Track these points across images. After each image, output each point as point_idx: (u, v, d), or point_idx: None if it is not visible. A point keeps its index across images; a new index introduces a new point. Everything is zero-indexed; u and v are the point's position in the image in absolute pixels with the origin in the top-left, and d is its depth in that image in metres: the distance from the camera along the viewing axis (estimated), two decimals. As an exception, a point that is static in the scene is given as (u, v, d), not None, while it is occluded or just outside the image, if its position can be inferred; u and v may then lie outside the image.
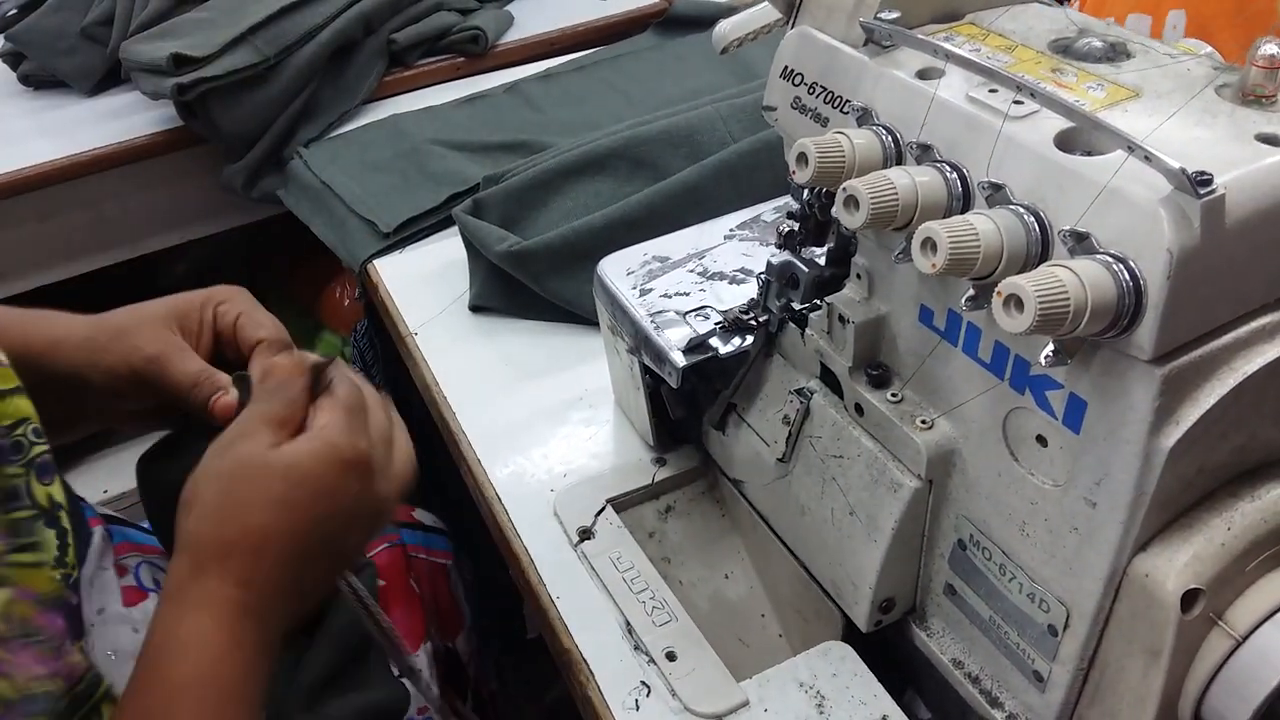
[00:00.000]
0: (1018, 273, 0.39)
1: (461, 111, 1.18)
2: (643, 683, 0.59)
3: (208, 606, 0.46)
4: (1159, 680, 0.45)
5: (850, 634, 0.60)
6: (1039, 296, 0.37)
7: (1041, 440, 0.46)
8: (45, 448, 0.46)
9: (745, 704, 0.57)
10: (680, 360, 0.63)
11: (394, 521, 0.91)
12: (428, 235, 1.00)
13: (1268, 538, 0.45)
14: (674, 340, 0.64)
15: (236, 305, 0.58)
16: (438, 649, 0.84)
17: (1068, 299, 0.37)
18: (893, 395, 0.54)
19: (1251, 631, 0.45)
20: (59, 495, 0.46)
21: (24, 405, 0.47)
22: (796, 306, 0.60)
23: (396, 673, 0.70)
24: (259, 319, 0.58)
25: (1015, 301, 0.38)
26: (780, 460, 0.61)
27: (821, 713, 0.56)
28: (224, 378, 0.55)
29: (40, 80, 1.26)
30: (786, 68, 0.56)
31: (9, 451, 0.46)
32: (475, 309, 0.89)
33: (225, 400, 0.53)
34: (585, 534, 0.67)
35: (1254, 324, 0.42)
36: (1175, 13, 0.90)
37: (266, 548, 0.47)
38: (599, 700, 0.58)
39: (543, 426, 0.77)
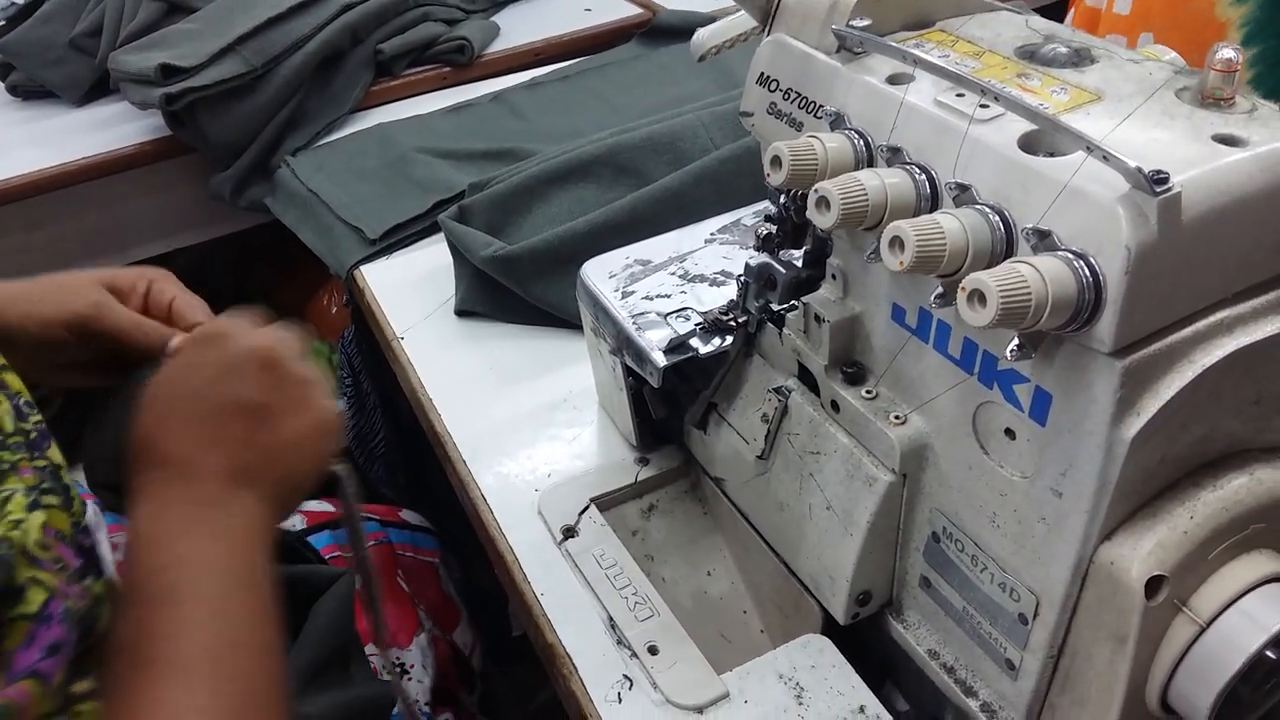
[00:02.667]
0: (983, 270, 0.40)
1: (447, 120, 1.19)
2: (625, 676, 0.60)
3: (162, 507, 0.48)
4: (1126, 666, 0.46)
5: (829, 627, 0.61)
6: (1001, 291, 0.39)
7: (1010, 433, 0.48)
8: (39, 418, 0.48)
9: (726, 696, 0.58)
10: (661, 360, 0.64)
11: (380, 521, 0.91)
12: (414, 242, 1.01)
13: (1229, 526, 0.46)
14: (655, 341, 0.65)
15: (171, 287, 0.60)
16: (435, 639, 0.84)
17: (1029, 294, 0.39)
18: (867, 392, 0.55)
19: (1214, 618, 0.46)
20: (58, 458, 0.47)
21: (14, 379, 0.47)
22: (774, 307, 0.61)
23: (383, 671, 0.71)
24: (193, 303, 0.60)
25: (979, 296, 0.39)
26: (759, 458, 0.63)
27: (800, 703, 0.57)
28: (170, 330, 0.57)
29: (29, 90, 1.27)
30: (762, 74, 0.57)
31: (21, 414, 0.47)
32: (461, 314, 0.90)
33: (178, 343, 0.56)
34: (569, 532, 0.68)
35: (1212, 318, 0.43)
36: (1144, 35, 0.93)
37: (170, 428, 0.49)
38: (582, 693, 0.59)
39: (527, 428, 0.78)
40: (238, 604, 0.47)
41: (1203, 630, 0.46)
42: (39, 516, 0.43)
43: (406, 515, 0.95)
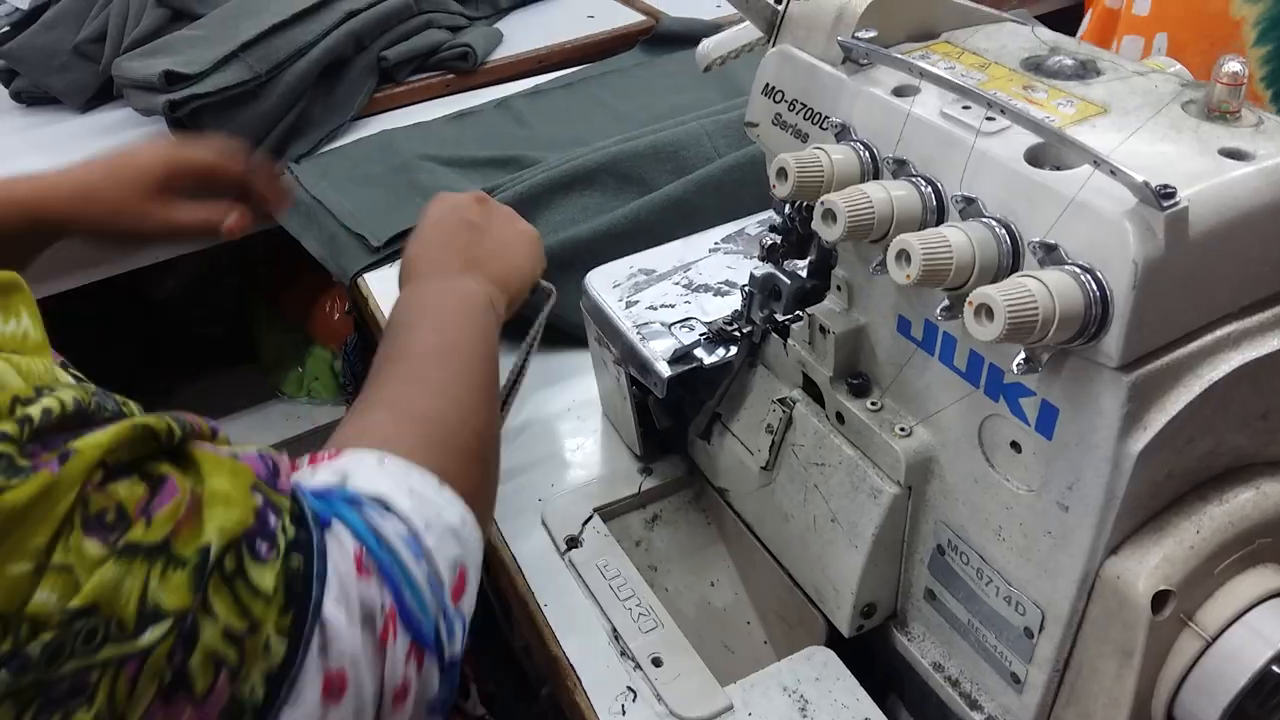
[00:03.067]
0: (989, 283, 0.40)
1: (451, 127, 1.19)
2: (629, 688, 0.59)
3: (416, 288, 0.64)
4: (1132, 680, 0.46)
5: (833, 639, 0.61)
6: (1008, 306, 0.38)
7: (1015, 446, 0.48)
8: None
9: (730, 708, 0.58)
10: (666, 371, 0.64)
11: None
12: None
13: (1235, 541, 0.46)
14: (659, 351, 0.65)
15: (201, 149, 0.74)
16: None
17: (1036, 308, 0.39)
18: (872, 404, 0.55)
19: (1220, 632, 0.46)
20: None
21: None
22: (779, 318, 0.61)
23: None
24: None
25: (986, 310, 0.39)
26: (764, 469, 0.62)
27: (804, 716, 0.57)
28: None
29: (33, 97, 1.27)
30: (768, 85, 0.57)
31: None
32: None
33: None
34: (573, 542, 0.68)
35: (1219, 332, 0.43)
36: (1160, 35, 0.94)
37: (420, 253, 0.67)
38: (585, 705, 0.59)
39: (531, 438, 0.78)
40: (462, 333, 0.60)
41: (1209, 645, 0.46)
42: None
43: None
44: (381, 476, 0.45)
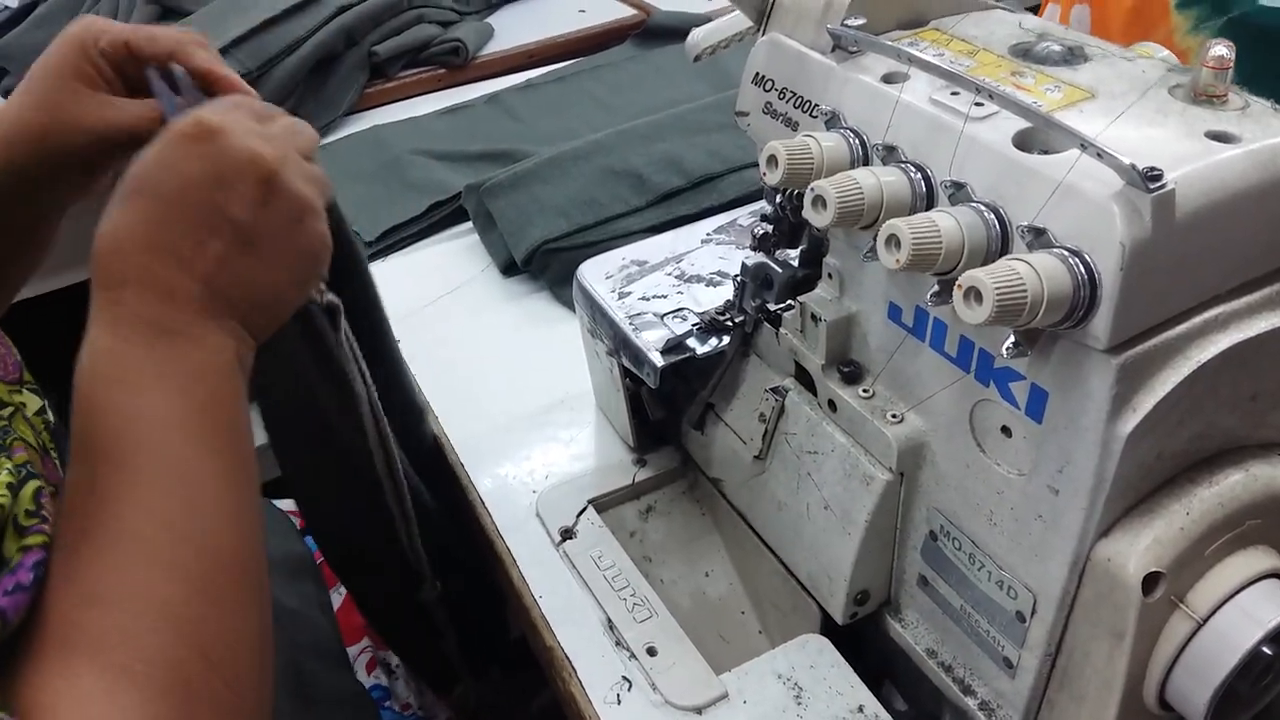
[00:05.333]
0: (979, 267, 0.40)
1: (442, 122, 1.19)
2: (624, 677, 0.60)
3: (123, 340, 0.43)
4: (1124, 662, 0.46)
5: (827, 627, 0.61)
6: (997, 289, 0.39)
7: (1006, 431, 0.48)
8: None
9: (725, 696, 0.58)
10: (659, 361, 0.64)
11: None
12: (410, 244, 1.01)
13: (1225, 522, 0.46)
14: (652, 341, 0.65)
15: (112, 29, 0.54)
16: None
17: (1025, 291, 0.39)
18: (864, 391, 0.55)
19: (1211, 614, 0.46)
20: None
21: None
22: (771, 307, 0.61)
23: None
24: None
25: (974, 294, 0.39)
26: (757, 458, 0.63)
27: (799, 703, 0.57)
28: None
29: (23, 95, 1.27)
30: (758, 74, 0.58)
31: None
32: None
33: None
34: (567, 534, 0.68)
35: (1207, 314, 0.43)
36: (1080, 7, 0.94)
37: (140, 237, 0.44)
38: (581, 695, 0.59)
39: (525, 430, 0.78)
40: (204, 464, 0.42)
41: (1200, 626, 0.46)
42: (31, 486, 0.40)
43: None
44: None
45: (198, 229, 0.44)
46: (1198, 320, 0.43)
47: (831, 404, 0.57)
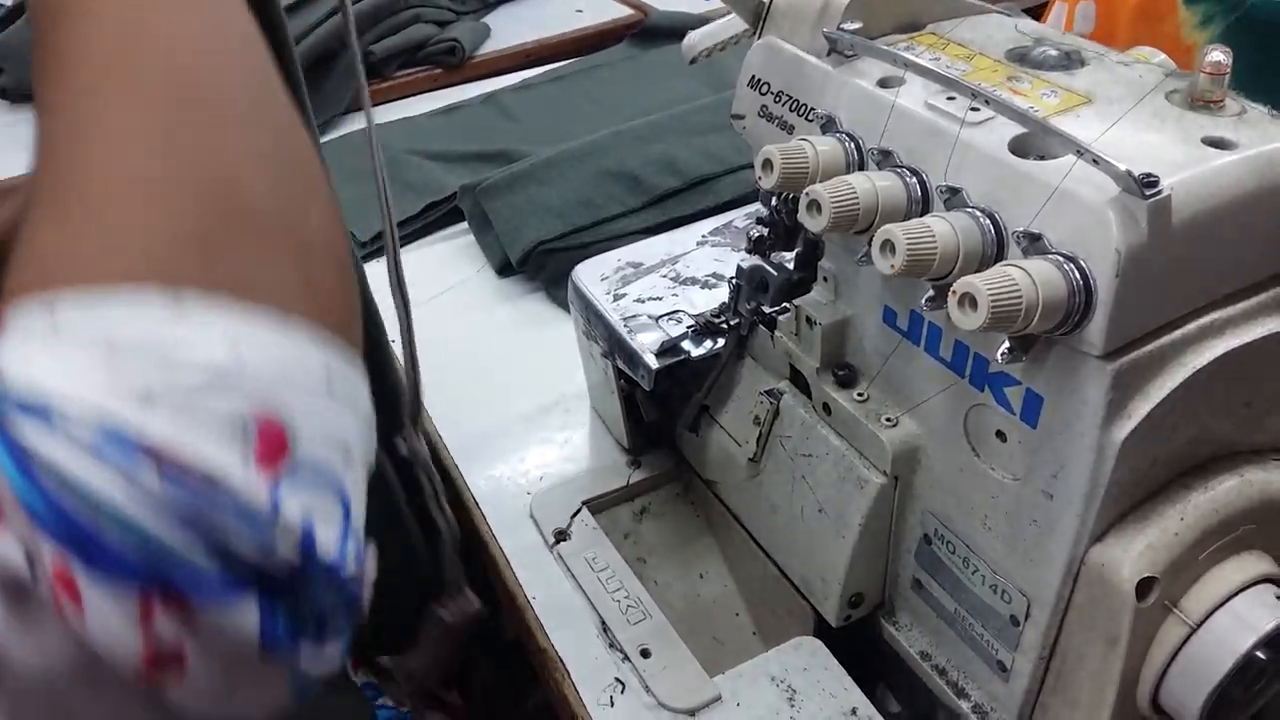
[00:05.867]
0: (974, 273, 0.40)
1: (438, 122, 1.19)
2: (617, 679, 0.60)
3: None
4: (1118, 666, 0.47)
5: (821, 629, 0.61)
6: (991, 295, 0.39)
7: (1001, 435, 0.48)
8: None
9: (718, 699, 0.58)
10: (654, 363, 0.64)
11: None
12: (405, 244, 1.01)
13: (1219, 528, 0.46)
14: (647, 344, 0.65)
15: None
16: None
17: (1020, 297, 0.39)
18: (859, 395, 0.55)
19: (1205, 619, 0.46)
20: None
21: None
22: (766, 309, 0.61)
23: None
24: None
25: (969, 300, 0.39)
26: (751, 460, 0.63)
27: (793, 705, 0.57)
28: None
29: (18, 94, 1.27)
30: (754, 77, 0.57)
31: None
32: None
33: None
34: (561, 535, 0.68)
35: (1202, 320, 0.43)
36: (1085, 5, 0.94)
37: None
38: (574, 697, 0.59)
39: (520, 432, 0.78)
40: None
41: (1193, 631, 0.46)
42: None
43: None
44: (45, 354, 0.26)
45: None
46: (1193, 326, 0.43)
47: (826, 407, 0.57)
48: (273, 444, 0.28)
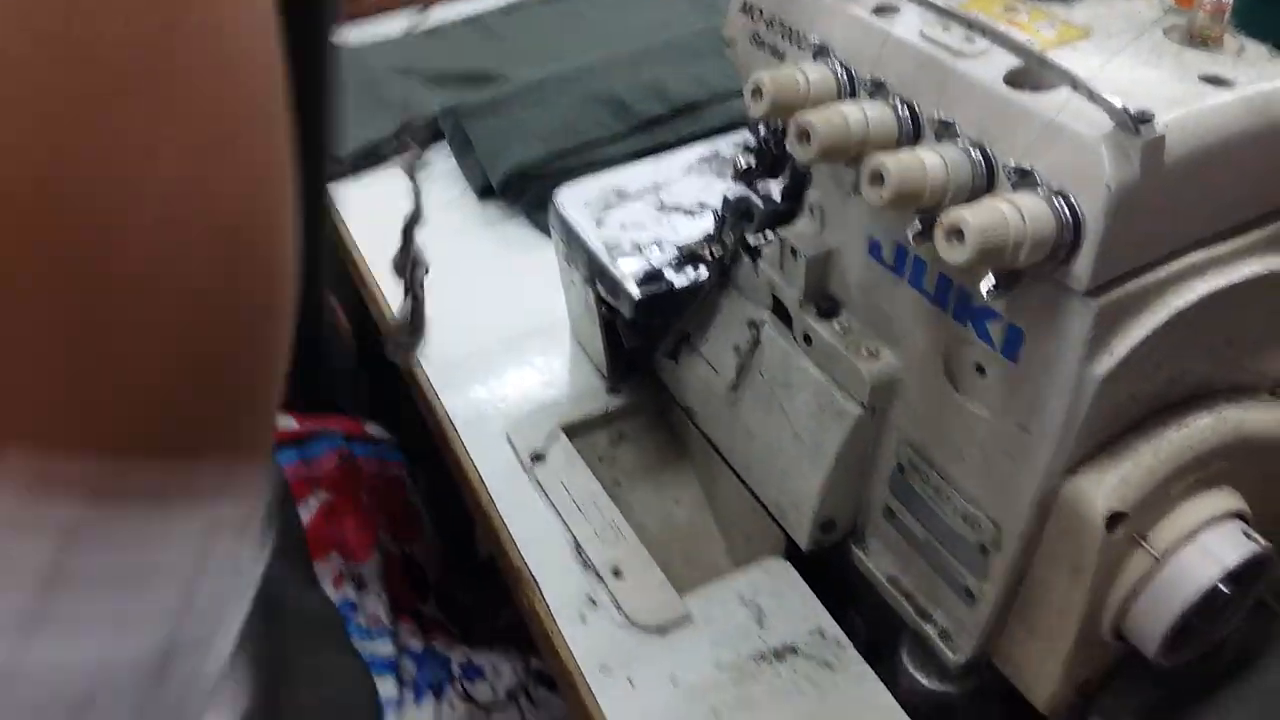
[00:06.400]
0: (963, 205, 0.40)
1: (422, 42, 1.16)
2: (589, 597, 0.60)
3: None
4: (1082, 596, 0.48)
5: (792, 554, 0.62)
6: (979, 229, 0.39)
7: (980, 369, 0.48)
8: None
9: (687, 617, 0.59)
10: (635, 292, 0.64)
11: (344, 436, 0.91)
12: (384, 163, 0.99)
13: (1192, 464, 0.47)
14: (629, 272, 0.65)
15: None
16: (392, 555, 0.85)
17: (1007, 231, 0.39)
18: (840, 326, 0.55)
19: (1172, 551, 0.47)
20: None
21: None
22: (750, 240, 0.61)
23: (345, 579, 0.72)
24: None
25: (957, 233, 0.39)
26: (730, 388, 0.63)
27: (760, 625, 0.58)
28: None
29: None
30: (745, 2, 0.56)
31: None
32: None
33: None
34: (537, 458, 0.69)
35: (1189, 259, 0.44)
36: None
37: None
38: (545, 614, 0.60)
39: (499, 358, 0.78)
40: None
41: (1160, 563, 0.47)
42: None
43: (371, 429, 0.95)
44: None
45: None
46: (1180, 265, 0.43)
47: (807, 338, 0.57)
48: None
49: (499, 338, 0.79)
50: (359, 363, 1.12)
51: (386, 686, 0.70)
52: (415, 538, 0.91)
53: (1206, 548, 0.47)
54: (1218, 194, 0.42)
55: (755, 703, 0.55)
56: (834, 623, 0.59)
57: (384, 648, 0.76)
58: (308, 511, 0.84)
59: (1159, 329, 0.43)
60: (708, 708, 0.55)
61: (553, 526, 0.65)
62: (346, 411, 1.10)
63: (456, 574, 0.95)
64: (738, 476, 0.66)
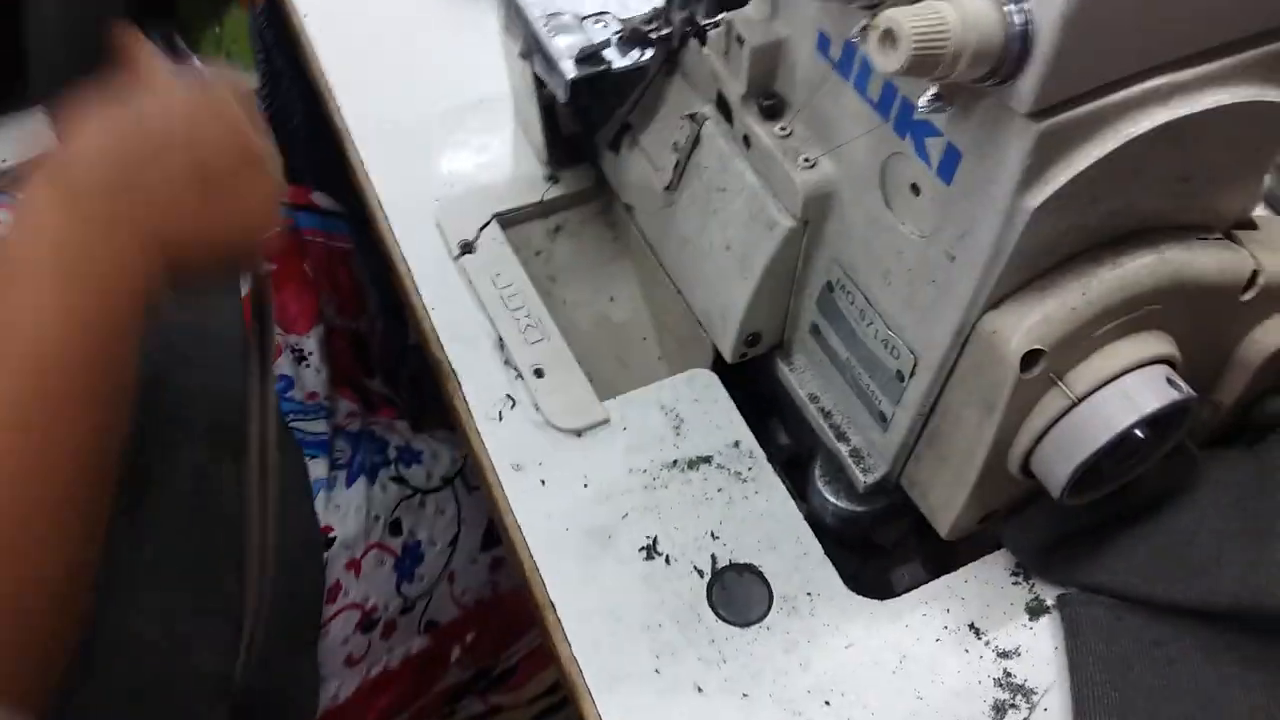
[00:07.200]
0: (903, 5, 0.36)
1: None
2: (509, 396, 0.59)
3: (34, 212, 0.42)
4: (991, 432, 0.46)
5: (720, 365, 0.61)
6: (915, 33, 0.34)
7: (915, 189, 0.45)
8: None
9: (606, 421, 0.58)
10: (570, 71, 0.59)
11: (290, 205, 0.87)
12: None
13: (1122, 305, 0.45)
14: (565, 48, 0.60)
15: None
16: (337, 328, 0.83)
17: (946, 39, 0.35)
18: (781, 129, 0.51)
19: (1089, 394, 0.46)
20: None
21: None
22: (700, 21, 0.56)
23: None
24: None
25: (890, 36, 0.35)
26: (667, 189, 0.59)
27: (678, 434, 0.57)
28: None
29: None
30: None
31: None
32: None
33: None
34: (466, 247, 0.66)
35: (1149, 83, 0.39)
36: None
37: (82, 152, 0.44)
38: (464, 409, 0.59)
39: (435, 132, 0.73)
40: (65, 362, 0.41)
41: (1075, 405, 0.46)
42: None
43: (318, 199, 0.91)
44: None
45: (165, 165, 0.44)
46: (1136, 90, 0.39)
47: (746, 139, 0.53)
48: None
49: (436, 111, 0.74)
50: (312, 126, 1.07)
51: (318, 467, 0.70)
52: (361, 313, 0.89)
53: (1126, 392, 0.45)
54: (1191, 10, 0.38)
55: (664, 507, 0.55)
56: (751, 436, 0.58)
57: (318, 425, 0.75)
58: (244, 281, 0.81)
59: (1105, 159, 0.39)
60: (616, 510, 0.55)
61: (478, 321, 0.63)
62: (299, 179, 1.04)
63: (410, 351, 0.94)
64: (671, 281, 0.63)
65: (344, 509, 0.69)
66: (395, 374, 0.95)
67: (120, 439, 0.44)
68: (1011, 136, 0.38)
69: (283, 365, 0.81)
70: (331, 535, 0.67)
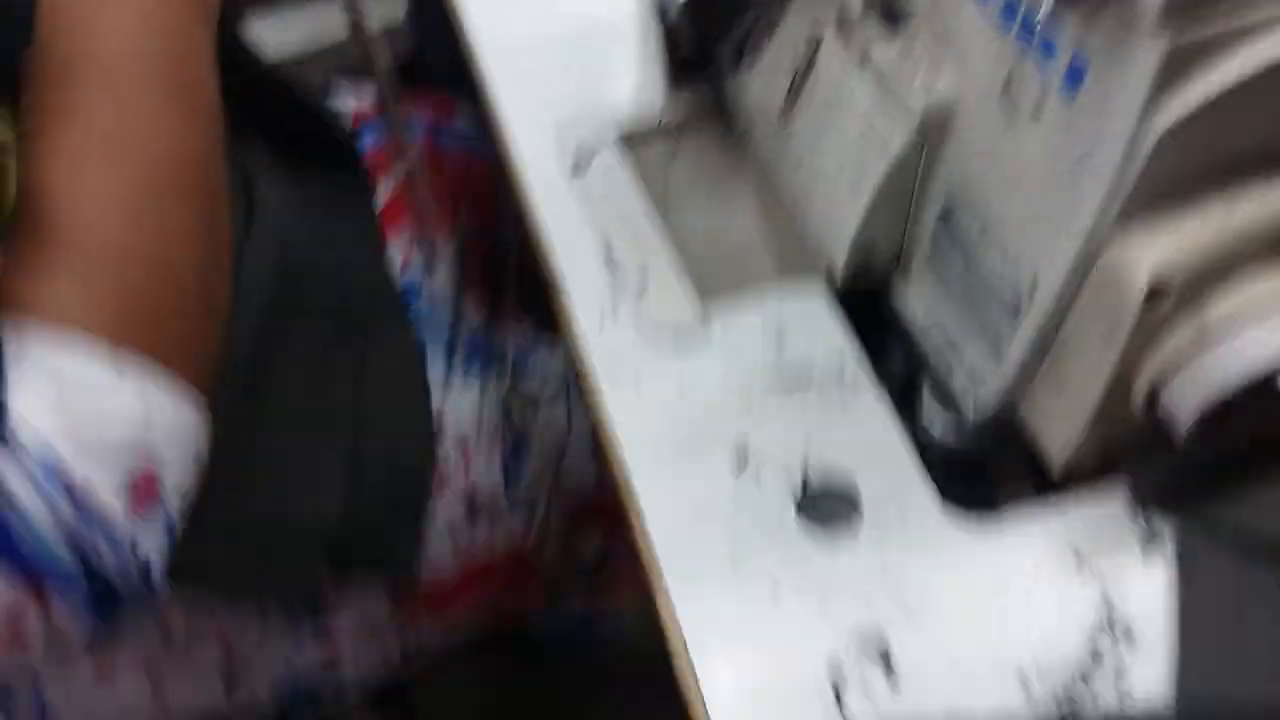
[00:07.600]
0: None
1: None
2: (612, 304, 0.59)
3: None
4: (1111, 363, 0.44)
5: (836, 290, 0.60)
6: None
7: (1038, 108, 0.43)
8: None
9: (707, 334, 0.58)
10: (686, -13, 0.58)
11: (431, 126, 0.88)
12: None
13: (1265, 237, 0.42)
14: (682, -39, 0.59)
15: None
16: (470, 243, 0.85)
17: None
18: (900, 45, 0.49)
19: (1226, 326, 0.43)
20: None
21: None
22: (823, -70, 0.54)
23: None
24: None
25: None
26: (783, 110, 0.58)
27: (780, 348, 0.57)
28: None
29: None
30: None
31: None
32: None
33: None
34: (583, 164, 0.66)
35: (1300, -7, 0.36)
36: None
37: None
38: (568, 315, 0.60)
39: (559, 49, 0.73)
40: (155, 95, 0.42)
41: (1210, 335, 0.43)
42: None
43: (462, 122, 0.92)
44: (15, 382, 0.37)
45: None
46: (1285, 0, 0.36)
47: (863, 58, 0.51)
48: (148, 496, 0.39)
49: (565, 29, 0.74)
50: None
51: (436, 367, 0.72)
52: (497, 232, 0.90)
53: (1268, 330, 0.42)
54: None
55: (760, 420, 0.55)
56: (856, 355, 0.56)
57: (440, 331, 0.77)
58: (387, 187, 0.82)
59: (1246, 82, 0.36)
60: (710, 421, 0.55)
61: (588, 235, 0.63)
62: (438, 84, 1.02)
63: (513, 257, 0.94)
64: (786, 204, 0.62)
65: (458, 405, 0.71)
66: (522, 293, 0.97)
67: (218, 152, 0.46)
68: (1140, 51, 0.36)
69: (414, 271, 0.83)
70: (443, 426, 0.70)
